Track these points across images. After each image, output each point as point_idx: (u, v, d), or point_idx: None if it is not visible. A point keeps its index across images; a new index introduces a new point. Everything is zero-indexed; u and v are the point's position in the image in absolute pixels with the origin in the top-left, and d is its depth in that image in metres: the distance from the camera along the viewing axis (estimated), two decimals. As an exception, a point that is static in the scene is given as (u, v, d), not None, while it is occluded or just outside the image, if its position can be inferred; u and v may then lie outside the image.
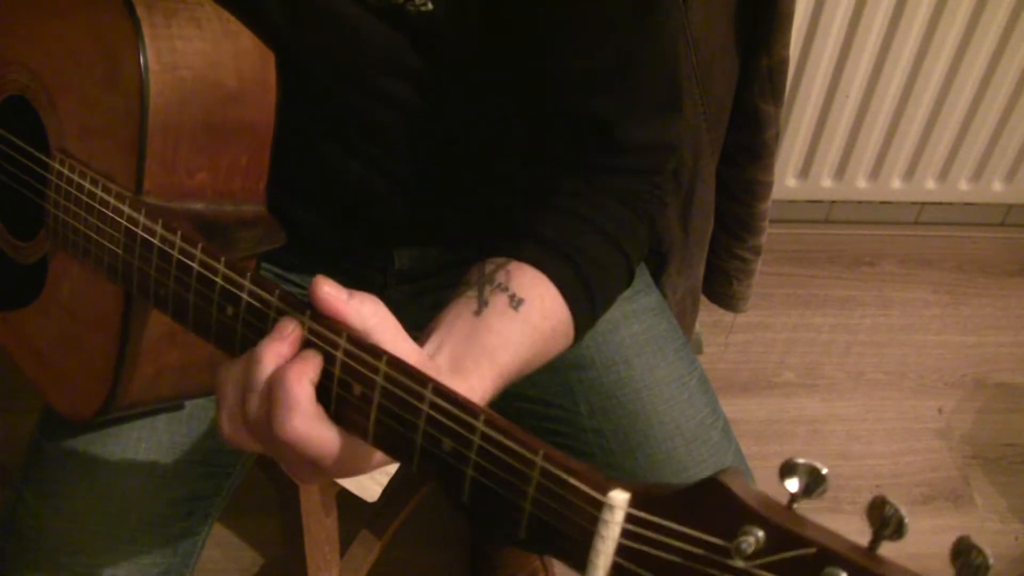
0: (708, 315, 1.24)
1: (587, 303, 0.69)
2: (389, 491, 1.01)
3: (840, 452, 1.65)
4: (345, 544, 1.21)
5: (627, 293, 0.89)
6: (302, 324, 0.55)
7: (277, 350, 0.55)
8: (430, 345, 0.62)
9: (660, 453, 0.83)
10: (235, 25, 0.70)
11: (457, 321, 0.63)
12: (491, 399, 0.62)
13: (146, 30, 0.65)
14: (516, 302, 0.65)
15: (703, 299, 1.19)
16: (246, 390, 0.55)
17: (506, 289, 0.65)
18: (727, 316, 1.23)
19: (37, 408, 0.85)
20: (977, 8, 1.64)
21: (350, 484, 1.00)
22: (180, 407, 0.83)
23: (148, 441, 0.82)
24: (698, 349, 1.27)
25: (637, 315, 0.89)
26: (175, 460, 0.83)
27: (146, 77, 0.64)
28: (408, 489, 1.26)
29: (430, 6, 0.69)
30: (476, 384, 0.60)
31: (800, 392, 1.75)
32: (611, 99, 0.73)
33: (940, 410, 1.74)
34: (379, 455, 0.57)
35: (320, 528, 1.09)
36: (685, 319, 1.12)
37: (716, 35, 0.97)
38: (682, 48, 0.74)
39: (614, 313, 0.87)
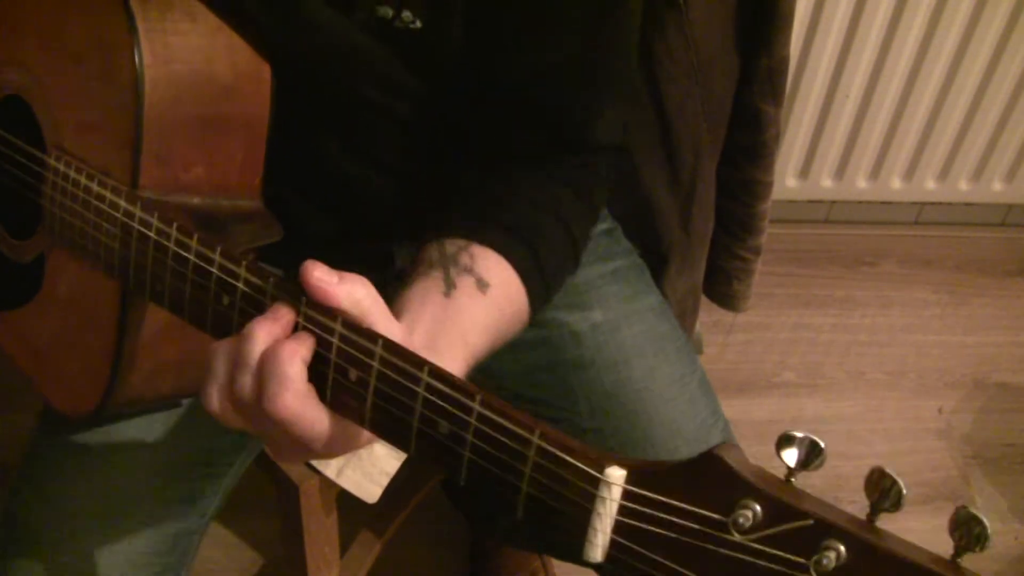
0: (708, 315, 1.24)
1: (542, 291, 0.70)
2: (389, 491, 1.01)
3: (840, 452, 1.65)
4: (345, 544, 1.21)
5: (627, 293, 0.89)
6: (297, 309, 0.55)
7: (269, 329, 0.55)
8: (402, 325, 0.62)
9: (661, 454, 0.83)
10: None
11: (427, 302, 0.63)
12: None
13: (141, 24, 0.64)
14: (483, 285, 0.66)
15: (703, 299, 1.19)
16: (236, 366, 0.55)
17: (472, 272, 0.66)
18: (727, 316, 1.23)
19: (37, 407, 0.85)
20: (977, 8, 1.64)
21: (350, 485, 1.00)
22: (178, 405, 0.83)
23: (146, 440, 0.82)
24: (698, 349, 1.27)
25: (638, 315, 0.89)
26: (173, 458, 0.83)
27: (141, 72, 0.64)
28: (408, 489, 1.26)
29: (418, 24, 0.69)
30: (449, 366, 0.60)
31: (800, 392, 1.75)
32: (567, 92, 0.74)
33: (940, 410, 1.74)
34: (366, 434, 0.57)
35: (320, 528, 1.09)
36: (685, 319, 1.12)
37: (716, 35, 0.97)
38: (635, 49, 0.76)
39: (615, 313, 0.87)
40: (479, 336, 0.64)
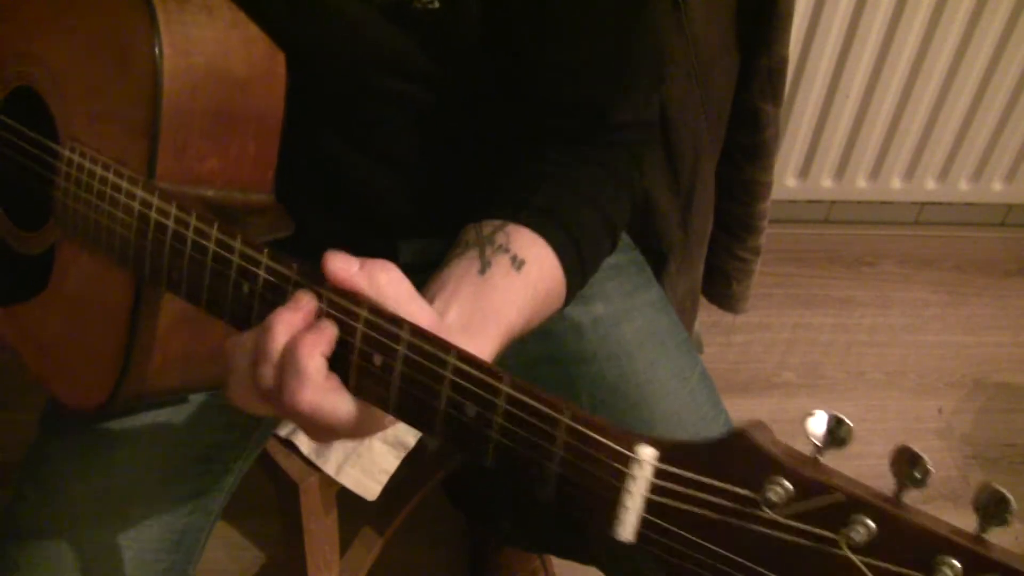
0: (708, 315, 1.24)
1: (579, 268, 0.71)
2: (389, 490, 1.01)
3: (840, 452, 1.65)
4: (345, 544, 1.21)
5: (628, 288, 0.90)
6: (319, 296, 0.55)
7: (289, 320, 0.55)
8: (437, 304, 0.62)
9: (662, 448, 0.83)
10: (245, 14, 0.70)
11: (463, 281, 0.64)
12: (497, 358, 0.62)
13: (160, 16, 0.65)
14: (518, 263, 0.66)
15: (703, 299, 1.19)
16: (257, 359, 0.55)
17: (507, 250, 0.66)
18: (727, 316, 1.23)
19: (39, 407, 0.85)
20: (977, 8, 1.64)
21: (349, 482, 1.00)
22: (184, 401, 0.83)
23: (150, 438, 0.82)
24: (698, 349, 1.27)
25: (639, 310, 0.89)
26: (177, 456, 0.82)
27: (160, 62, 0.65)
28: (408, 489, 1.26)
29: (436, 4, 0.69)
30: (484, 343, 0.61)
31: (800, 392, 1.75)
32: (605, 85, 0.74)
33: (940, 410, 1.74)
34: (391, 416, 0.57)
35: (320, 527, 1.08)
36: (685, 319, 1.12)
37: (716, 35, 0.97)
38: (664, 32, 0.76)
39: (616, 307, 0.87)
40: (514, 314, 0.64)
